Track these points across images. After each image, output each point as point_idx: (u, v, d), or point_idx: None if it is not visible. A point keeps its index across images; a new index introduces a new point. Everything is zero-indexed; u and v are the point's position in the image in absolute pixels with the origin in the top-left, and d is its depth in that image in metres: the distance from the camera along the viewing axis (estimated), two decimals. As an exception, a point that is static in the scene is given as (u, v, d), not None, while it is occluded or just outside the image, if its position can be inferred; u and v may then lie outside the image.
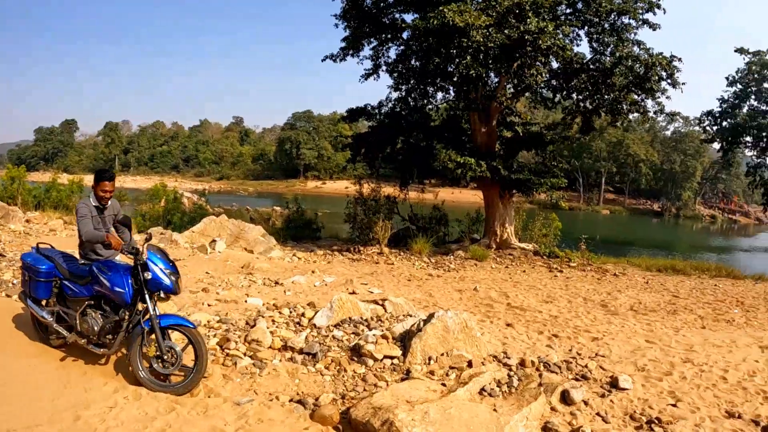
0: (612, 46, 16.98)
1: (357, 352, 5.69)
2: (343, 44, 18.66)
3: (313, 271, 11.83)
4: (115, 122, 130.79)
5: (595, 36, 17.40)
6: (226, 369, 5.43)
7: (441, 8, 14.14)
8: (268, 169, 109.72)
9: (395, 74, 18.96)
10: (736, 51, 33.23)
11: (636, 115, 18.38)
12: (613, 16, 16.84)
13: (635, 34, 17.19)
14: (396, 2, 17.37)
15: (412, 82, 18.99)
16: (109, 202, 5.51)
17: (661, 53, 16.29)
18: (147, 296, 4.86)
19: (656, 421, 4.93)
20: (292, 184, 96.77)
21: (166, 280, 4.92)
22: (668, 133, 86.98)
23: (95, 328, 4.94)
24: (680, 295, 12.39)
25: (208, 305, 7.69)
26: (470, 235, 19.24)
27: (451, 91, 19.14)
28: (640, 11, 16.62)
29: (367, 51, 18.93)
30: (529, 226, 19.88)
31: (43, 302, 5.41)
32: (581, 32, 17.47)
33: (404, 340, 5.92)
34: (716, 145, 36.78)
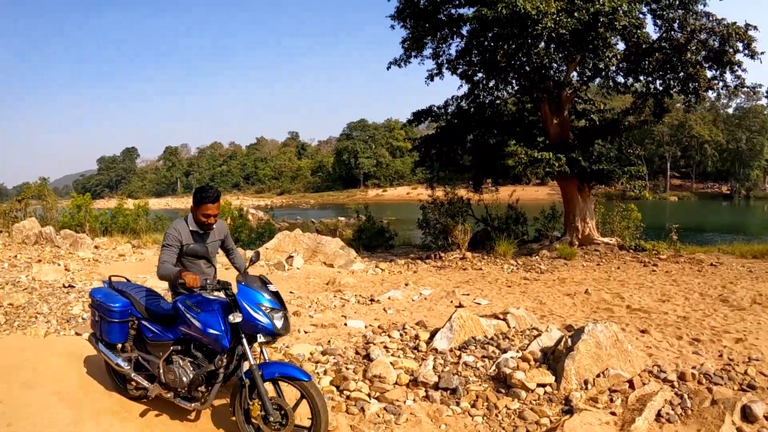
0: (679, 20, 15.78)
1: (503, 382, 4.99)
2: (405, 46, 18.12)
3: (406, 284, 11.28)
4: (174, 146, 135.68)
5: (659, 12, 16.24)
6: (351, 418, 4.61)
7: None
8: (327, 181, 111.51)
9: (459, 71, 18.29)
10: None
11: (712, 92, 17.17)
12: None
13: (705, 5, 15.95)
14: (452, -3, 16.66)
15: (478, 77, 18.27)
16: (215, 225, 4.56)
17: (735, 23, 15.05)
18: (244, 340, 3.91)
19: None
20: (353, 193, 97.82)
21: (263, 320, 3.83)
22: (730, 110, 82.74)
23: (184, 380, 4.07)
24: (797, 283, 11.21)
25: (305, 332, 7.18)
26: (551, 233, 18.34)
27: (516, 84, 18.27)
28: None
29: (427, 51, 18.33)
30: (607, 219, 18.89)
31: (119, 347, 4.52)
32: (645, 9, 16.28)
33: (549, 362, 5.23)
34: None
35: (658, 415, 4.43)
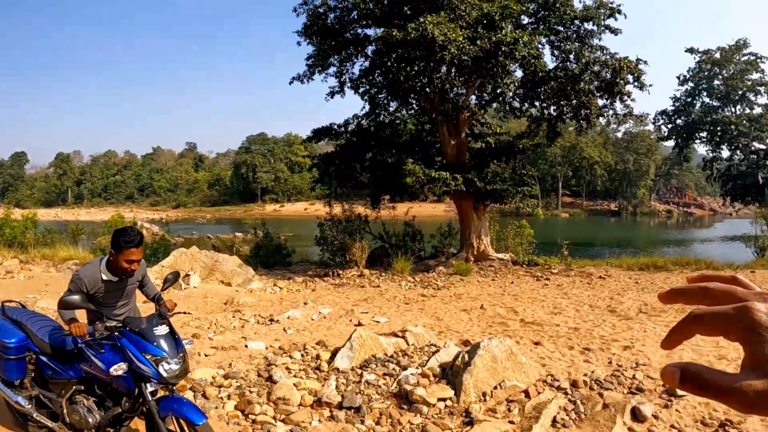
0: (575, 52, 17.02)
1: (405, 399, 5.02)
2: (309, 62, 18.19)
3: (305, 303, 11.09)
4: (66, 153, 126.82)
5: (557, 44, 17.47)
6: (259, 442, 4.47)
7: (422, 20, 13.83)
8: (224, 195, 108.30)
9: (361, 90, 18.52)
10: (686, 51, 34.45)
11: (602, 118, 18.49)
12: (576, 23, 16.92)
13: (599, 39, 17.33)
14: (360, 17, 16.94)
15: (379, 97, 18.60)
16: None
17: (626, 57, 16.41)
18: (143, 384, 3.60)
19: (728, 423, 4.78)
20: (251, 208, 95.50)
21: (147, 370, 3.50)
22: (619, 134, 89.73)
23: (90, 421, 3.68)
24: (678, 292, 12.17)
25: (205, 355, 6.84)
26: (447, 250, 18.83)
27: (416, 105, 18.90)
28: (603, 17, 16.74)
29: (332, 69, 18.51)
30: (501, 235, 19.70)
31: (17, 382, 4.09)
32: (543, 40, 17.40)
33: (448, 377, 5.32)
34: (670, 143, 37.98)
35: (554, 421, 4.66)
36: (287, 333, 8.24)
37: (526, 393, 5.11)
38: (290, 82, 18.75)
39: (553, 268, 16.37)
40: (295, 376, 5.66)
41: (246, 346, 7.23)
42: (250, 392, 5.27)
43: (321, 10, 17.08)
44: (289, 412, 4.86)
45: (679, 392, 5.33)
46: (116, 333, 3.65)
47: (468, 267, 16.03)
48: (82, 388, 3.85)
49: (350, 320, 9.37)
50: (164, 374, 3.54)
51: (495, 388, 5.16)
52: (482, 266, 16.77)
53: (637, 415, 4.80)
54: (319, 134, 19.65)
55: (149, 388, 3.59)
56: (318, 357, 6.22)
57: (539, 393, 5.14)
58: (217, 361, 6.55)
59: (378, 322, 9.28)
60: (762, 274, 14.70)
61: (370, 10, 16.35)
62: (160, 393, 3.70)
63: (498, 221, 20.72)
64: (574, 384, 5.56)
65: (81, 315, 3.99)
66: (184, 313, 8.96)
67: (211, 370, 5.96)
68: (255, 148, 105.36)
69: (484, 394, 5.08)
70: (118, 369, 3.49)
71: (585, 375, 5.94)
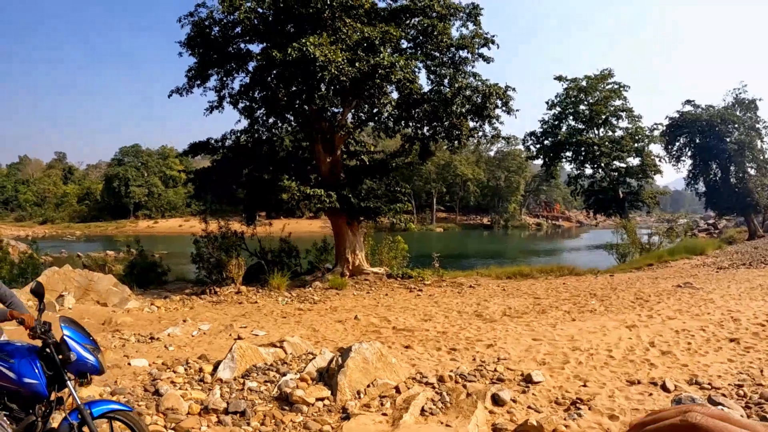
0: (449, 77, 18.13)
1: (286, 401, 5.43)
2: (189, 75, 17.99)
3: (185, 320, 11.05)
4: None
5: (433, 68, 18.53)
6: (153, 451, 4.67)
7: (303, 41, 14.28)
8: (95, 210, 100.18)
9: (240, 105, 18.59)
10: (555, 78, 37.64)
11: (473, 139, 19.80)
12: (452, 51, 18.08)
13: (472, 66, 18.59)
14: (244, 32, 17.05)
15: (257, 113, 18.76)
16: None
17: (496, 83, 17.68)
18: (69, 382, 3.75)
19: (579, 401, 5.62)
20: (123, 224, 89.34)
21: (91, 359, 3.80)
22: (492, 153, 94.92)
23: None
24: (540, 296, 13.58)
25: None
26: (323, 265, 19.24)
27: (294, 122, 19.14)
28: (477, 46, 18.02)
29: (212, 82, 18.44)
30: (376, 250, 20.37)
31: None
32: (420, 65, 18.40)
33: (325, 379, 5.81)
34: (539, 161, 41.08)
35: (423, 410, 5.30)
36: (169, 350, 8.28)
37: (397, 389, 5.71)
38: (169, 95, 18.42)
39: (426, 280, 17.34)
40: (180, 388, 5.86)
41: (129, 363, 7.23)
42: (138, 405, 5.41)
43: (206, 23, 17.06)
44: (178, 420, 5.09)
45: (536, 379, 6.26)
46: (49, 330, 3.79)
47: (343, 281, 16.59)
48: None
49: (230, 335, 9.55)
50: (101, 364, 3.86)
51: (368, 386, 5.71)
52: (357, 280, 17.41)
53: (497, 401, 5.59)
54: (196, 149, 19.42)
55: (69, 387, 3.75)
56: (201, 370, 6.45)
57: (409, 389, 5.77)
58: (101, 379, 6.52)
59: (257, 335, 9.53)
60: (620, 277, 16.52)
61: (254, 25, 16.53)
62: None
63: (373, 236, 21.39)
64: (440, 379, 6.26)
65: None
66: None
67: (97, 388, 5.99)
68: (128, 160, 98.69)
69: (358, 392, 5.61)
70: (72, 355, 3.67)
71: (451, 371, 6.67)
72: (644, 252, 23.11)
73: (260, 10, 16.45)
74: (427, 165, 79.34)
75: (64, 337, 3.76)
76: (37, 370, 3.72)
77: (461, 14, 18.25)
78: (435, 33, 17.23)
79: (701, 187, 41.74)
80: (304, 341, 7.74)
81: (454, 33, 18.24)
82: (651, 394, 5.83)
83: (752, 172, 39.51)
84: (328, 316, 11.91)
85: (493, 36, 18.16)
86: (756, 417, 5.12)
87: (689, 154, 40.84)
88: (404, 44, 18.29)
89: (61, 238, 69.85)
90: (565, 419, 5.19)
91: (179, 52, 17.82)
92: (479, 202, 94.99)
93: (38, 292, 4.01)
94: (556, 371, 6.75)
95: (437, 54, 18.19)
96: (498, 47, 18.33)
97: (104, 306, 13.02)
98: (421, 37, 17.87)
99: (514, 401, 5.68)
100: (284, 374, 6.01)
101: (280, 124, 19.39)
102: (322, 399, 5.47)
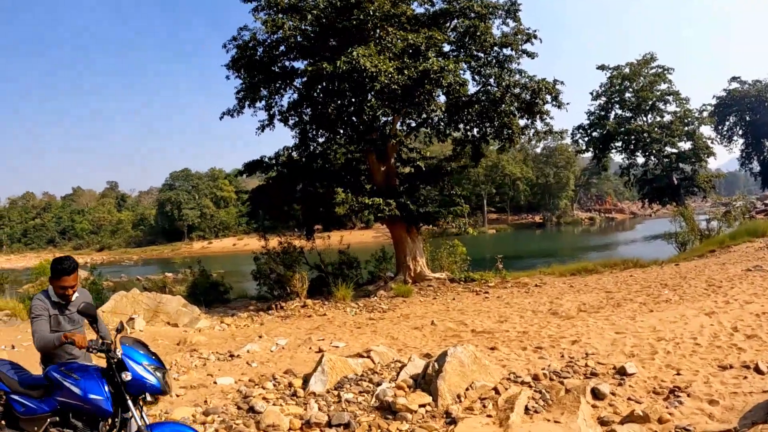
0: (495, 77, 17.85)
1: (388, 410, 5.36)
2: (239, 96, 18.27)
3: (260, 336, 11.16)
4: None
5: (477, 69, 18.32)
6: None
7: (351, 52, 14.32)
8: (150, 234, 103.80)
9: (290, 122, 18.79)
10: (597, 68, 36.82)
11: (524, 137, 19.47)
12: (495, 49, 17.87)
13: (518, 63, 18.30)
14: (288, 50, 17.26)
15: (308, 128, 18.90)
16: (75, 295, 4.37)
17: (544, 78, 17.38)
18: (130, 402, 3.77)
19: (676, 389, 5.54)
20: (178, 247, 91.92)
21: (152, 379, 3.79)
22: (538, 149, 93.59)
23: None
24: (611, 290, 13.18)
25: (177, 395, 6.90)
26: (384, 274, 19.16)
27: (344, 135, 19.16)
28: (520, 42, 17.76)
29: (261, 102, 18.61)
30: (435, 256, 20.18)
31: None
32: (465, 66, 18.18)
33: (422, 385, 5.72)
34: (588, 154, 40.18)
35: (526, 409, 5.20)
36: (252, 366, 8.35)
37: (496, 390, 5.60)
38: (221, 117, 18.80)
39: (490, 282, 17.06)
40: (274, 404, 5.82)
41: (215, 382, 7.31)
42: (236, 424, 5.38)
43: (250, 44, 17.34)
44: (283, 438, 5.03)
45: (629, 371, 6.14)
46: (111, 349, 3.85)
47: (408, 288, 16.47)
48: (57, 419, 3.90)
49: (310, 348, 9.59)
50: (165, 383, 3.86)
51: (467, 389, 5.62)
52: (421, 287, 17.25)
53: (597, 394, 5.49)
54: (251, 168, 19.71)
55: (147, 398, 3.84)
56: (291, 384, 6.43)
57: (507, 389, 5.64)
58: (191, 399, 6.62)
59: (337, 347, 9.53)
60: (686, 266, 15.90)
61: (298, 42, 16.72)
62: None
63: (431, 242, 21.26)
64: (535, 378, 6.13)
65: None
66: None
67: (189, 409, 6.02)
68: (179, 184, 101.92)
69: (458, 396, 5.52)
70: (127, 375, 3.69)
71: (543, 369, 6.54)
72: (704, 238, 22.08)
73: (303, 27, 16.62)
74: (475, 167, 79.11)
75: (122, 356, 3.82)
76: (102, 387, 3.80)
77: (500, 12, 18.07)
78: (478, 33, 17.07)
79: (756, 166, 40.04)
80: (390, 349, 7.68)
81: (495, 31, 18.06)
82: (746, 377, 5.70)
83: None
84: (402, 323, 11.83)
85: (535, 31, 17.95)
86: None
87: (740, 132, 39.35)
88: (446, 48, 18.16)
89: (119, 263, 72.24)
90: (667, 407, 5.16)
91: (227, 75, 18.16)
92: (529, 201, 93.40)
93: (88, 313, 4.09)
94: (646, 362, 6.60)
95: (481, 54, 18.01)
96: (541, 42, 18.09)
97: (175, 326, 13.26)
98: (466, 39, 17.69)
99: (614, 394, 5.59)
100: (378, 383, 5.96)
101: (331, 138, 19.47)
102: (423, 405, 5.38)
